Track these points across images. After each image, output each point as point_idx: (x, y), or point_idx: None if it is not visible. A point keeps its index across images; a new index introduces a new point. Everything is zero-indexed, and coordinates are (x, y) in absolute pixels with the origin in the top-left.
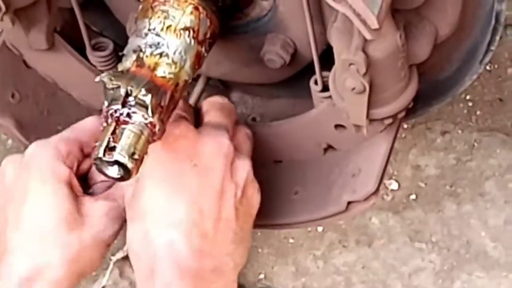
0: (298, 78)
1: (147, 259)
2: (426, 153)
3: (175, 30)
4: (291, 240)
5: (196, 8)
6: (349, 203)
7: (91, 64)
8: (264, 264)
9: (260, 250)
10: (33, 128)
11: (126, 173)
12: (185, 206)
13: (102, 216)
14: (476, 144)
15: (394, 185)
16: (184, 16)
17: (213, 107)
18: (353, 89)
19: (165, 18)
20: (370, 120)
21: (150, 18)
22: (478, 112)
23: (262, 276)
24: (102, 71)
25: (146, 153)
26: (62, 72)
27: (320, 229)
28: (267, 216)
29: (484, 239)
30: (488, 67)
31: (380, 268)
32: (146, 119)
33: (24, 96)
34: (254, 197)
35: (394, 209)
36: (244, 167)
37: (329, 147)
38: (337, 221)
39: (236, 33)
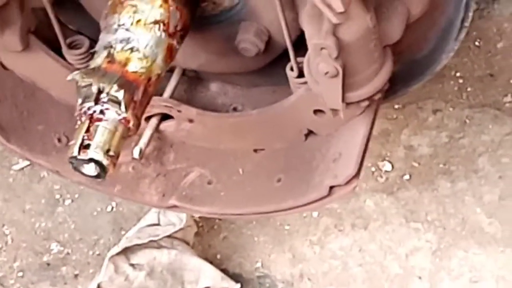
0: (276, 65)
1: None
2: (418, 133)
3: (145, 24)
4: (286, 227)
5: (165, 1)
6: (331, 188)
7: (68, 62)
8: (260, 253)
9: (256, 239)
10: (13, 129)
11: (102, 170)
12: None
13: None
14: (468, 120)
15: (387, 166)
16: (154, 10)
17: None
18: (327, 73)
19: (134, 12)
20: (347, 103)
21: (120, 14)
22: (469, 89)
23: (259, 264)
24: (79, 69)
25: (121, 148)
26: (40, 72)
27: (315, 214)
28: (252, 205)
29: (480, 215)
30: (477, 43)
31: (376, 250)
32: (119, 115)
33: (3, 98)
34: None
35: (389, 190)
36: None
37: (310, 132)
38: (322, 206)
39: (210, 24)
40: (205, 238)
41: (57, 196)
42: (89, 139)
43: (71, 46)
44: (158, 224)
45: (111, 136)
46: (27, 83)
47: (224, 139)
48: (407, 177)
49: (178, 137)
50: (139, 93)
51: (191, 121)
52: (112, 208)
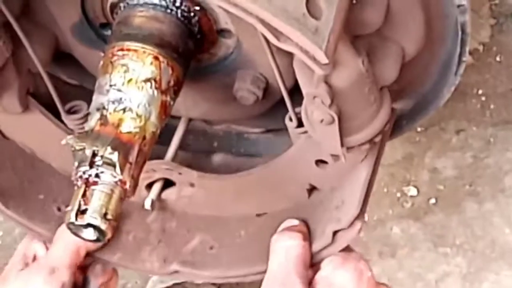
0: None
1: None
2: (442, 155)
3: (136, 83)
4: None
5: (155, 58)
6: (334, 233)
7: (68, 128)
8: None
9: None
10: (13, 197)
11: (101, 235)
12: None
13: None
14: (492, 139)
15: (413, 191)
16: (144, 68)
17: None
18: (322, 120)
19: (125, 72)
20: (347, 148)
21: (111, 74)
22: (492, 106)
23: None
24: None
25: (119, 211)
26: (39, 138)
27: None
28: (256, 264)
29: (509, 236)
30: (498, 58)
31: (405, 278)
32: (115, 177)
33: (2, 166)
34: None
35: (415, 215)
36: None
37: (313, 188)
38: (327, 255)
39: (208, 73)
40: None
41: None
42: (86, 204)
43: (70, 111)
44: None
45: (108, 199)
46: (26, 153)
47: (226, 205)
48: (433, 201)
49: (180, 206)
50: (134, 153)
51: (192, 185)
52: None
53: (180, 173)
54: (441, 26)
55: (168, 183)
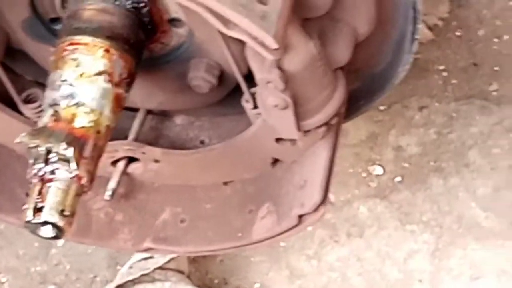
0: (240, 93)
1: None
2: (406, 132)
3: (88, 77)
4: (282, 244)
5: (107, 51)
6: (300, 216)
7: (25, 116)
8: (258, 273)
9: (252, 259)
10: None
11: (59, 231)
12: None
13: None
14: (454, 114)
15: (378, 170)
16: (96, 61)
17: None
18: (276, 105)
19: (76, 66)
20: (304, 131)
21: (62, 69)
22: (453, 81)
23: (258, 285)
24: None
25: (76, 206)
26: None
27: (309, 227)
28: (226, 240)
29: (475, 210)
30: (457, 33)
31: (374, 257)
32: (71, 173)
33: None
34: None
35: (381, 194)
36: None
37: (276, 160)
38: (294, 235)
39: (161, 64)
40: (201, 264)
41: None
42: (42, 201)
43: (27, 100)
44: (150, 257)
45: (65, 195)
46: None
47: (193, 176)
48: (398, 179)
49: (147, 178)
50: (89, 148)
51: (157, 161)
52: None
53: (143, 152)
54: (392, 5)
55: (134, 158)
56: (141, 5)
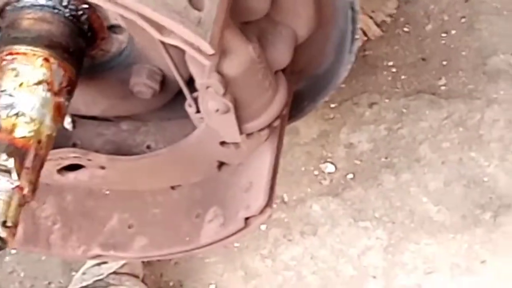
0: (184, 97)
1: None
2: (357, 129)
3: (27, 86)
4: (236, 244)
5: (46, 60)
6: (247, 218)
7: None
8: (213, 274)
9: (207, 260)
10: None
11: (2, 243)
12: None
13: None
14: (404, 110)
15: (330, 168)
16: (35, 71)
17: None
18: (217, 110)
19: (15, 76)
20: (247, 134)
21: (1, 79)
22: (402, 77)
23: (213, 286)
24: None
25: (19, 217)
26: None
27: (263, 227)
28: (174, 244)
29: (427, 204)
30: (405, 28)
31: (328, 255)
32: (12, 184)
33: None
34: None
35: (334, 192)
36: None
37: (222, 163)
38: (241, 237)
39: (103, 70)
40: (156, 267)
41: None
42: None
43: None
44: (104, 263)
45: (7, 206)
46: None
47: (140, 181)
48: (350, 176)
49: (94, 185)
50: (30, 158)
51: (103, 167)
52: None
53: (89, 159)
54: (332, 6)
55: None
56: (80, 12)
